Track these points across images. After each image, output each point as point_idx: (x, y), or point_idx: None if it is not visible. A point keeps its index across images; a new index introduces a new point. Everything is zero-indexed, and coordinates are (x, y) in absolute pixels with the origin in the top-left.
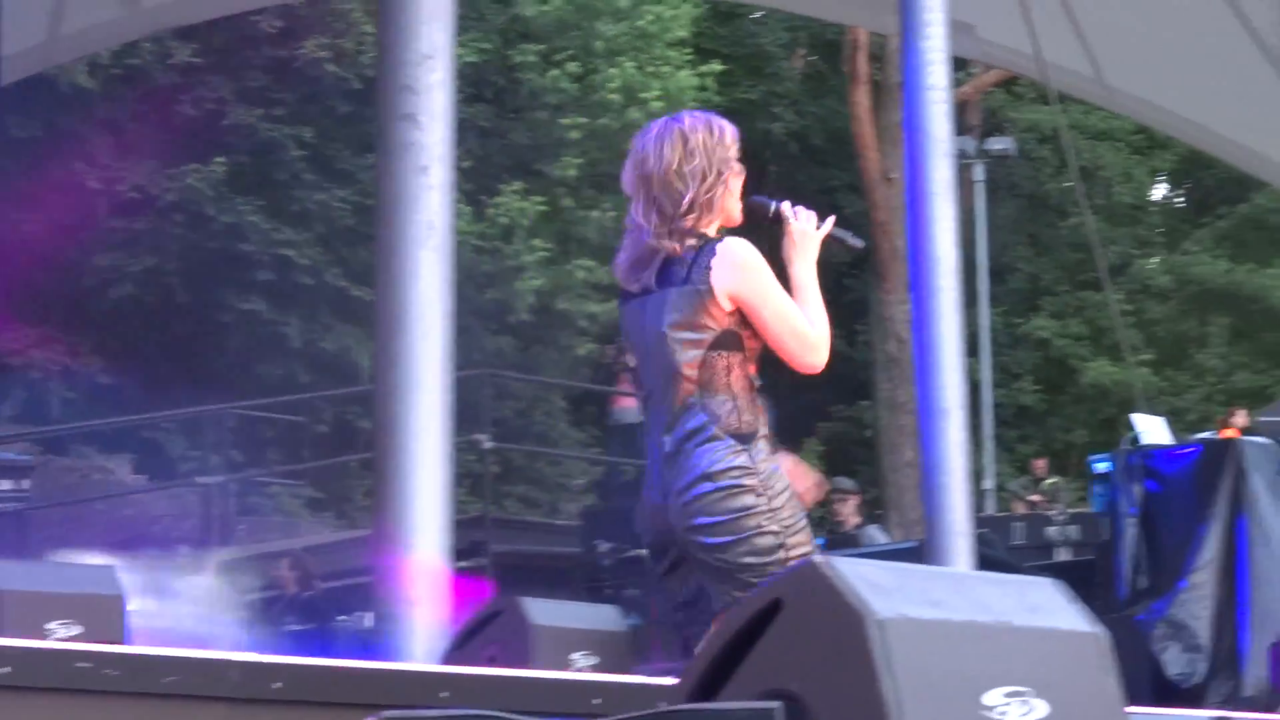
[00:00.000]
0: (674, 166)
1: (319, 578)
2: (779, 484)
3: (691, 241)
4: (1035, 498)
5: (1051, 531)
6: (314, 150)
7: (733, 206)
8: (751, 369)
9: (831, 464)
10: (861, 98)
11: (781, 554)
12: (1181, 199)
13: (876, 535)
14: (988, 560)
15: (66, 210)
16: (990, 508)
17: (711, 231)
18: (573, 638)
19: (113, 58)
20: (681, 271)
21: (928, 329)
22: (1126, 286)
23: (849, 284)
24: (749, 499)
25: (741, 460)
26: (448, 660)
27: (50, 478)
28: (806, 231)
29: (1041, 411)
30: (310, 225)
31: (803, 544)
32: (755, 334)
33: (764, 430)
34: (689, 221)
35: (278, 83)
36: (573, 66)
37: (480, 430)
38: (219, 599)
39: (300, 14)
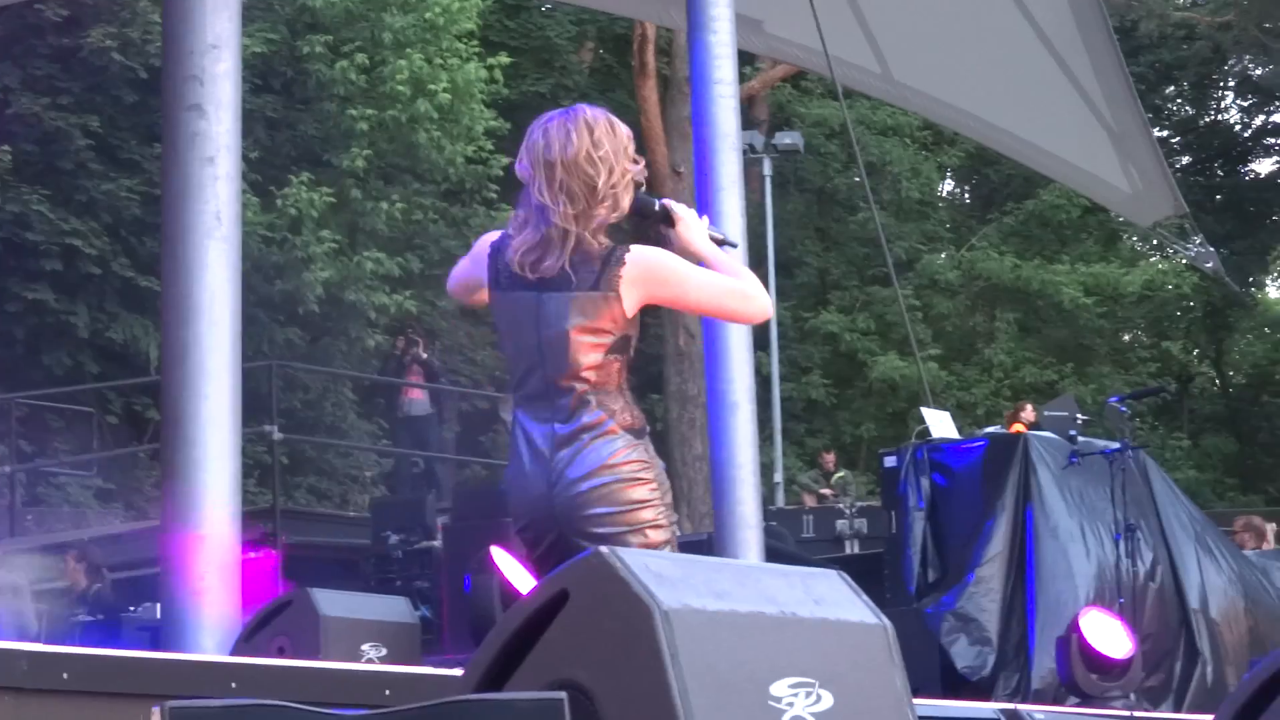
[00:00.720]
0: (582, 153)
1: (107, 569)
2: (666, 481)
3: (603, 240)
4: (825, 491)
5: (841, 525)
6: (100, 140)
7: (627, 205)
8: (628, 366)
9: None
10: (649, 92)
11: (669, 550)
12: (968, 195)
13: None
14: (777, 553)
15: None
16: (780, 501)
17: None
18: (362, 629)
19: None
20: (589, 276)
21: (716, 323)
22: (914, 282)
23: None
24: (644, 491)
25: (639, 454)
26: (237, 651)
27: None
28: (690, 215)
29: (830, 405)
30: (97, 215)
31: (674, 542)
32: (636, 337)
33: (647, 428)
34: (603, 210)
35: (64, 71)
36: (360, 58)
37: (269, 421)
38: (6, 590)
39: (86, 3)
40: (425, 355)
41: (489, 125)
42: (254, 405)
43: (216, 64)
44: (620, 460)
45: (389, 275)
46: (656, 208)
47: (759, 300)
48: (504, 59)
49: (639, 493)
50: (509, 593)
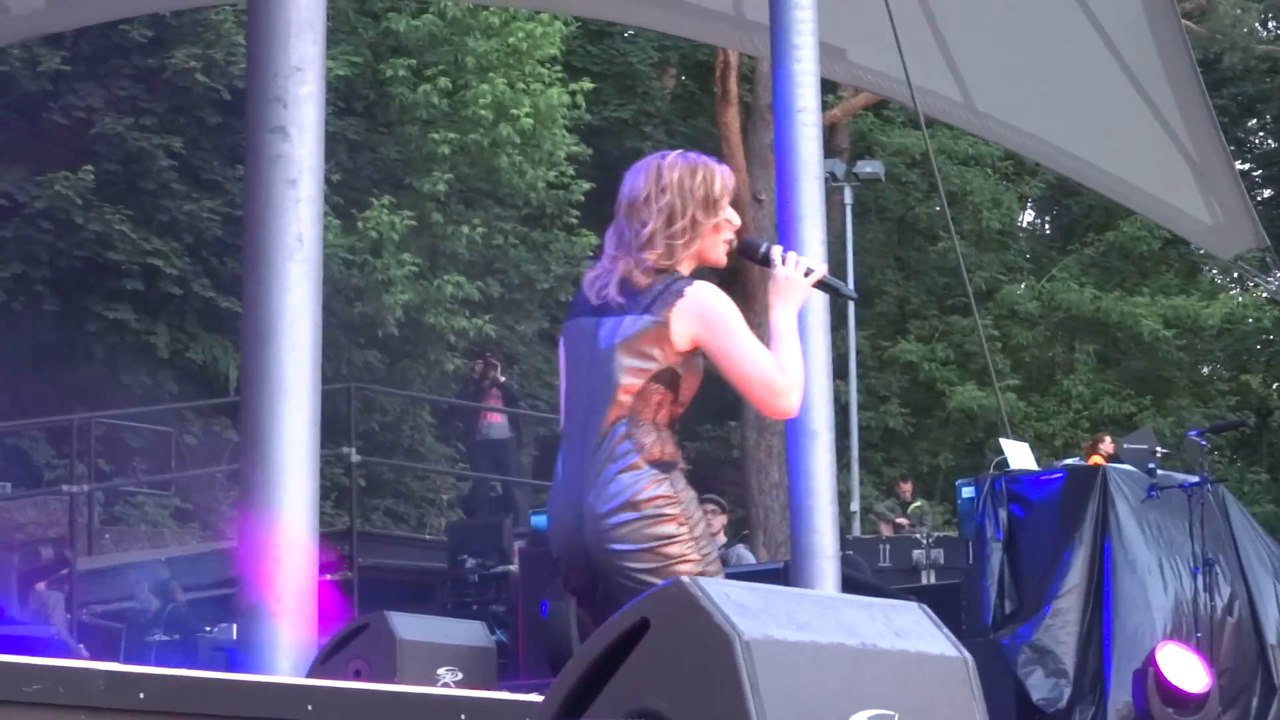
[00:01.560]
0: (641, 197)
1: (183, 589)
2: (697, 514)
3: (654, 277)
4: (901, 520)
5: (917, 555)
6: (183, 160)
7: (715, 252)
8: (677, 411)
9: (698, 484)
10: (731, 119)
11: (690, 568)
12: (1049, 226)
13: (744, 554)
14: (854, 582)
15: None
16: (857, 530)
17: (684, 269)
18: (439, 653)
19: None
20: (644, 300)
21: None
22: (994, 312)
23: None
24: (671, 527)
25: (664, 489)
26: (313, 673)
27: None
28: (793, 278)
29: (908, 435)
30: (179, 235)
31: (718, 574)
32: (691, 382)
33: (681, 463)
34: (650, 256)
35: (148, 92)
36: (443, 81)
37: (347, 444)
38: (84, 608)
39: (170, 24)
40: (503, 379)
41: (571, 150)
42: (332, 427)
43: (300, 86)
44: (644, 497)
45: (469, 299)
46: (761, 251)
47: (784, 400)
48: (586, 84)
49: (665, 528)
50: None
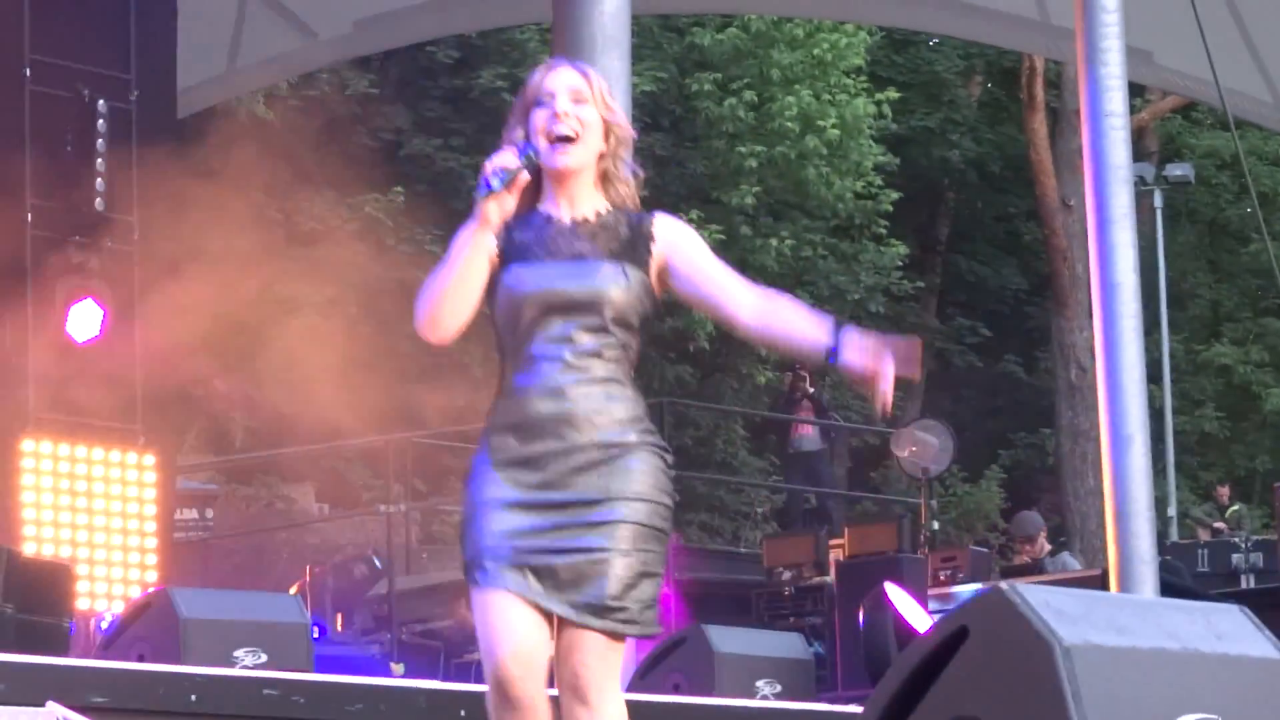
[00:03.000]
0: None
1: None
2: (469, 487)
3: None
4: (1219, 525)
5: (1236, 559)
6: None
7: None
8: (504, 344)
9: (1014, 492)
10: (1039, 125)
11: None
12: None
13: (1070, 561)
14: (1172, 588)
15: (247, 240)
16: (1174, 535)
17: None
18: (757, 665)
19: (291, 89)
20: None
21: (1111, 356)
22: None
23: (1030, 311)
24: None
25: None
26: (631, 687)
27: (234, 507)
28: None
29: (1224, 438)
30: None
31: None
32: (494, 302)
33: (490, 423)
34: None
35: (455, 113)
36: (749, 95)
37: None
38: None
39: (476, 44)
40: (814, 391)
41: (878, 160)
42: None
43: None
44: None
45: None
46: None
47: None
48: (892, 94)
49: None
50: (904, 629)
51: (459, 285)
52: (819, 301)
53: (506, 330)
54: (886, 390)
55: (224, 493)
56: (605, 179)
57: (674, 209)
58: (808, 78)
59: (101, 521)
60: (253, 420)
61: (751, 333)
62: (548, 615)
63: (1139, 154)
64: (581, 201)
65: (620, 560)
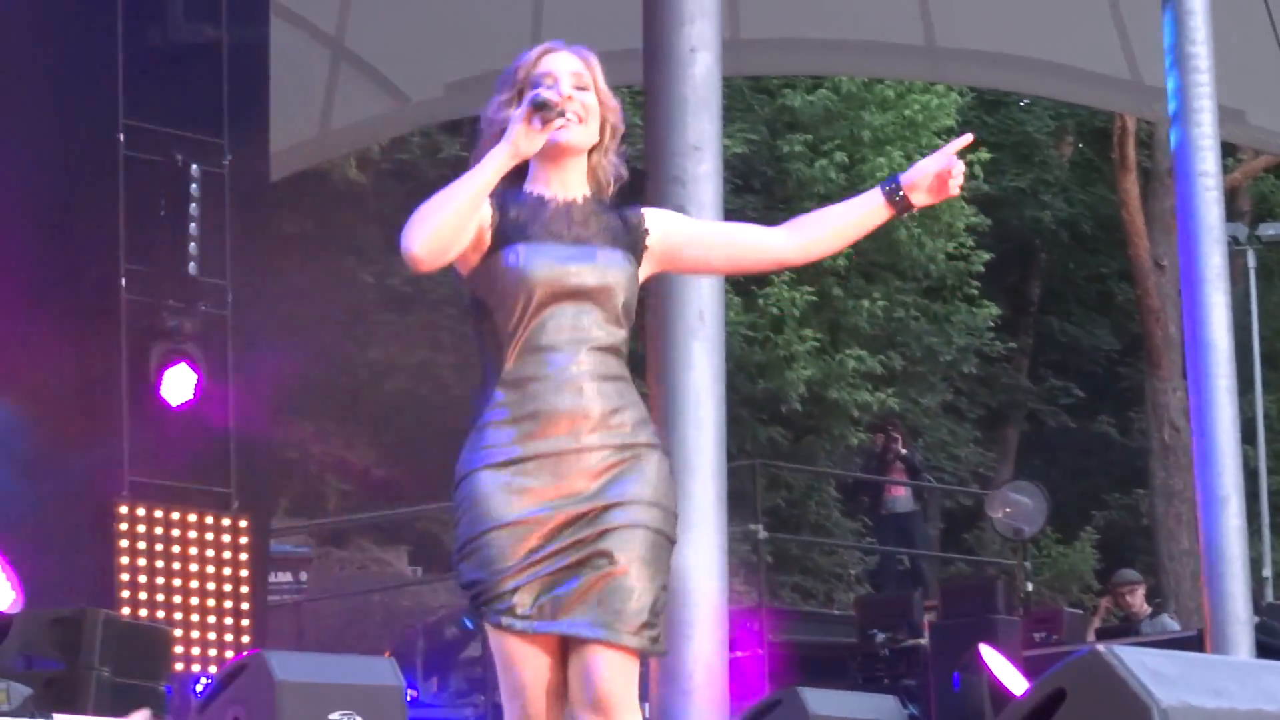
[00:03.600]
0: None
1: None
2: (462, 495)
3: None
4: None
5: None
6: None
7: (522, 144)
8: (505, 331)
9: (1108, 553)
10: (1130, 185)
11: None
12: None
13: (1169, 623)
14: (1268, 649)
15: (339, 304)
16: (1269, 596)
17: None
18: None
19: (382, 152)
20: None
21: (1204, 416)
22: None
23: (1123, 371)
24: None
25: (460, 459)
26: None
27: (327, 570)
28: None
29: None
30: None
31: (468, 574)
32: (491, 283)
33: (488, 417)
34: None
35: None
36: (840, 156)
37: (754, 520)
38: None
39: None
40: (906, 451)
41: (969, 221)
42: (739, 504)
43: (698, 165)
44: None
45: (871, 373)
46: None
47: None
48: (984, 154)
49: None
50: (999, 691)
51: (473, 209)
52: (911, 362)
53: (505, 313)
54: (953, 171)
55: (317, 556)
56: (593, 170)
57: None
58: (899, 139)
59: (196, 585)
60: (346, 483)
61: (805, 248)
62: (564, 638)
63: (1231, 214)
64: (571, 186)
65: (643, 572)
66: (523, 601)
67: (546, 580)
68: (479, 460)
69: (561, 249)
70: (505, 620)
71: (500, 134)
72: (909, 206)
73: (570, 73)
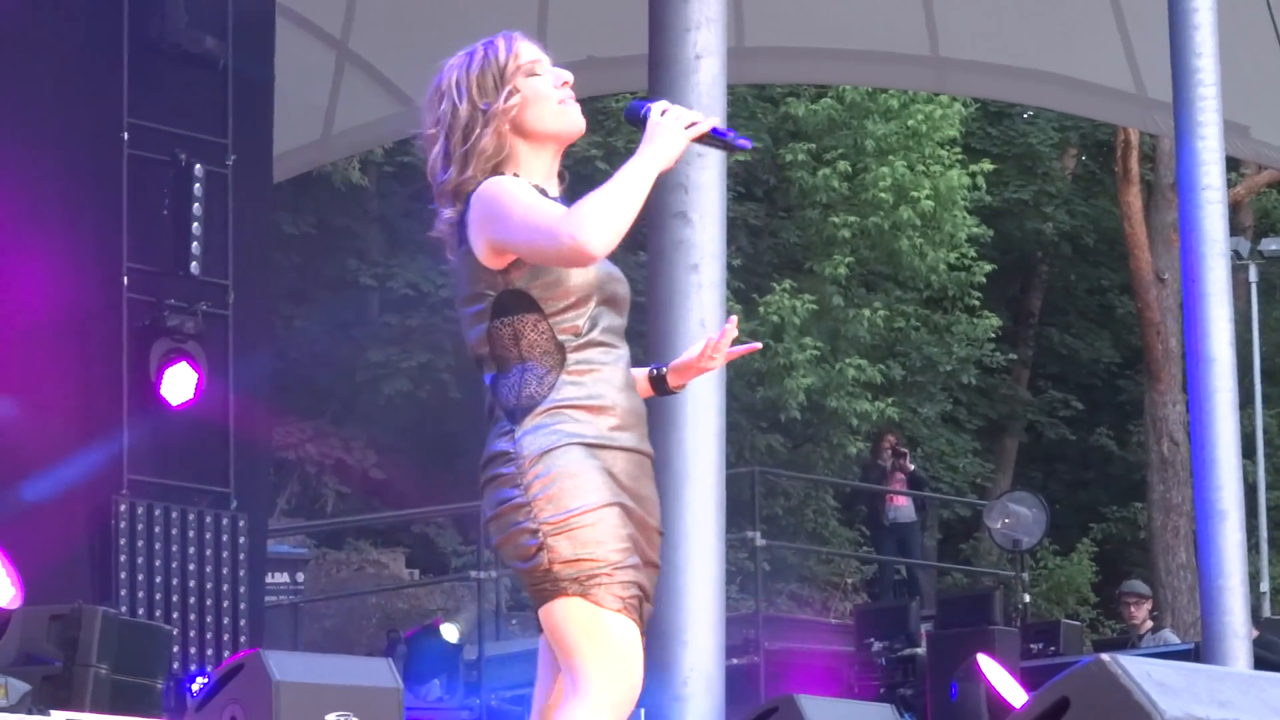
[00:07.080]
0: (426, 124)
1: None
2: (550, 469)
3: (458, 204)
4: None
5: None
6: None
7: (545, 122)
8: (566, 316)
9: (1105, 566)
10: (1133, 198)
11: (543, 559)
12: None
13: (1169, 637)
14: (1266, 663)
15: (340, 306)
16: (1267, 610)
17: (484, 174)
18: None
19: (384, 155)
20: (455, 238)
21: (1204, 430)
22: None
23: (1122, 384)
24: (505, 490)
25: (502, 444)
26: None
27: (324, 571)
28: (663, 124)
29: None
30: None
31: (570, 551)
32: (548, 276)
33: (558, 399)
34: (448, 184)
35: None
36: (843, 165)
37: (752, 527)
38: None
39: None
40: (905, 461)
41: (971, 232)
42: (736, 511)
43: (701, 172)
44: (485, 457)
45: (871, 382)
46: (641, 114)
47: (568, 240)
48: (987, 165)
49: (498, 494)
50: (997, 701)
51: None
52: (911, 372)
53: (563, 306)
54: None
55: (315, 557)
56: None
57: (766, 278)
58: (902, 149)
59: (193, 584)
60: (344, 485)
61: None
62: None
63: (1234, 228)
64: (554, 183)
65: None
66: (631, 589)
67: (640, 579)
68: (567, 437)
69: None
70: (614, 600)
71: (495, 128)
72: (666, 388)
73: (551, 64)
